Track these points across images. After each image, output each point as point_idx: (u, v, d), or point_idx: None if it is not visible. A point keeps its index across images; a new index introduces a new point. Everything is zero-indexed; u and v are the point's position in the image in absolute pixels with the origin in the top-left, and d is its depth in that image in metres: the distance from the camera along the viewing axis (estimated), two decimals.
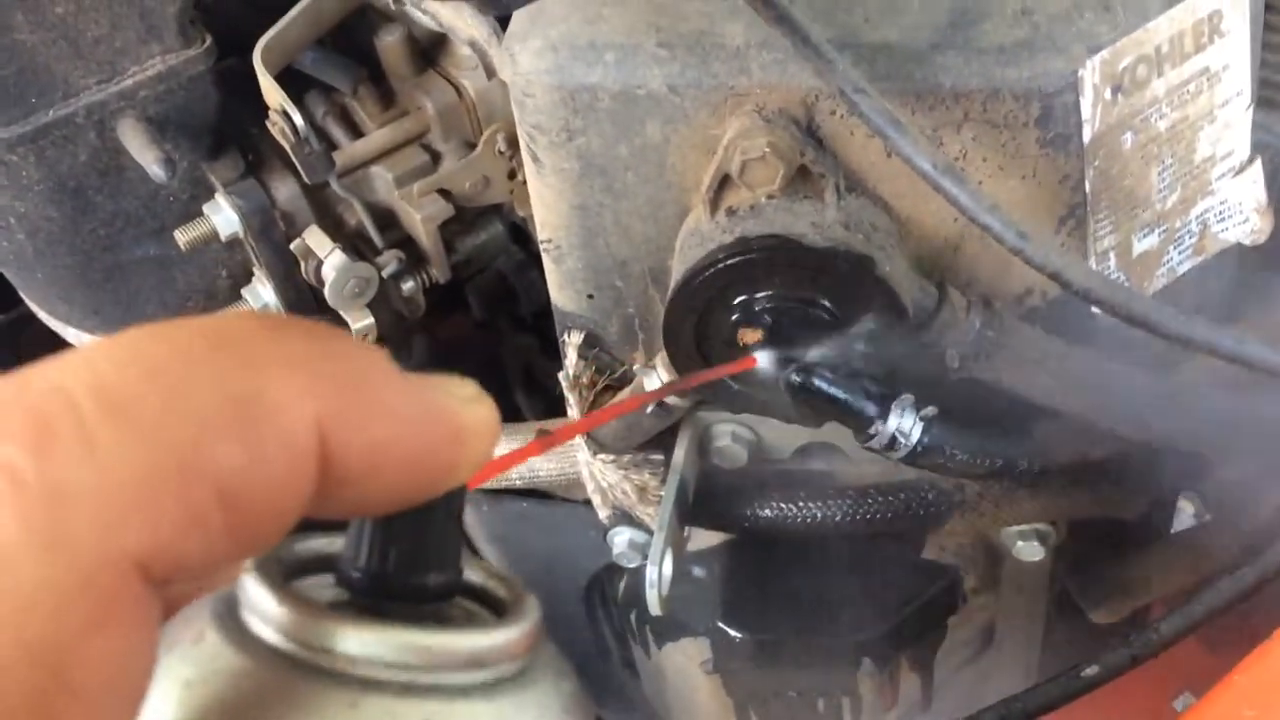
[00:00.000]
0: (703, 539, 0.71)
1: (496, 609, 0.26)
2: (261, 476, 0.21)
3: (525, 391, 0.93)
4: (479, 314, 0.92)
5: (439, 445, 0.23)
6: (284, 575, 0.24)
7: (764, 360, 0.55)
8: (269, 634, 0.23)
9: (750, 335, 0.56)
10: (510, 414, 0.84)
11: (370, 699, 0.22)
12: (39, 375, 0.20)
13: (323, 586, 0.25)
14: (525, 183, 0.62)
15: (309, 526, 0.25)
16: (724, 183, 0.55)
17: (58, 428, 0.20)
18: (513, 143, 0.74)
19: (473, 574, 0.27)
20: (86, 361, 0.20)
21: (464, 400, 0.24)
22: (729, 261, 0.54)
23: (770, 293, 0.54)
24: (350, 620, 0.23)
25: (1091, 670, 0.49)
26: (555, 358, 0.67)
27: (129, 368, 0.20)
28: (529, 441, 0.28)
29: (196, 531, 0.20)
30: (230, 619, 0.23)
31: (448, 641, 0.23)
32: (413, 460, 0.23)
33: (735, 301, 0.55)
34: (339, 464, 0.22)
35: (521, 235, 0.88)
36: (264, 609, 0.23)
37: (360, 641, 0.22)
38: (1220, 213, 0.59)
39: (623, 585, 0.79)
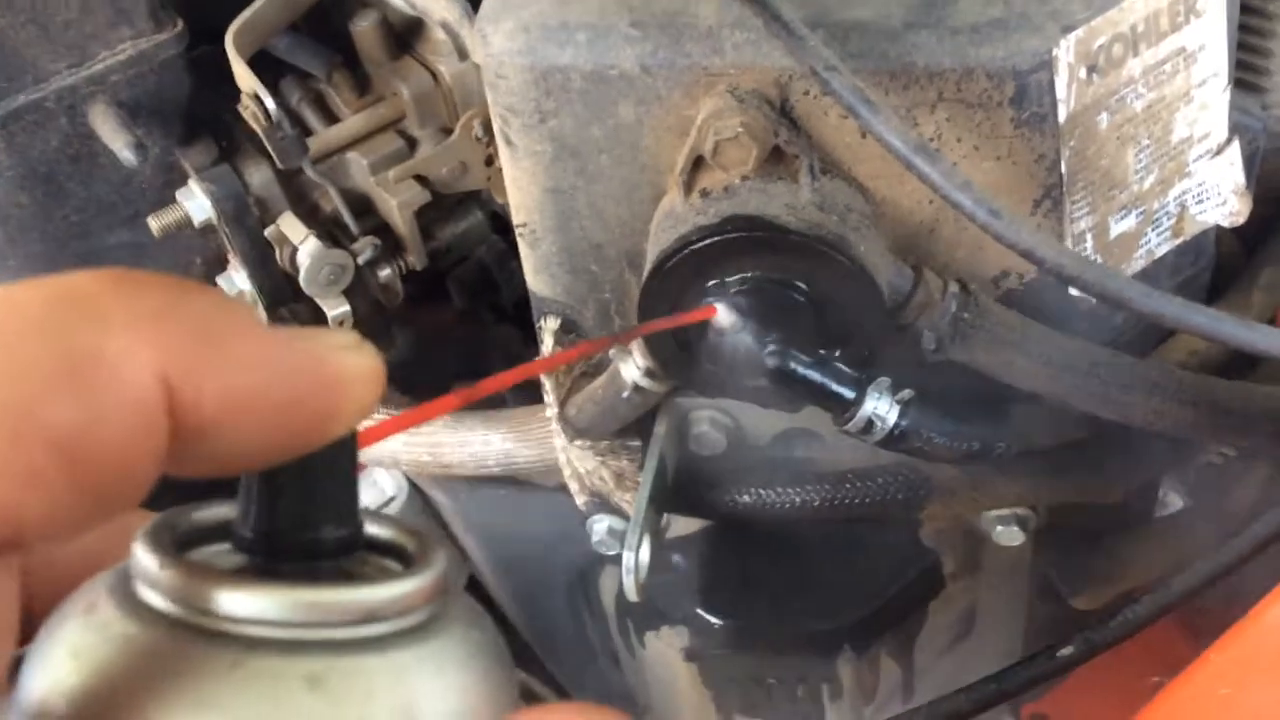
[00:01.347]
0: (682, 526, 0.71)
1: (408, 564, 0.25)
2: (102, 432, 0.20)
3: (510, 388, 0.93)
4: (461, 304, 0.92)
5: (309, 392, 0.22)
6: (178, 543, 0.24)
7: (723, 313, 0.54)
8: (155, 599, 0.22)
9: (725, 318, 0.55)
10: (493, 403, 0.84)
11: (253, 658, 0.22)
12: None
13: (222, 554, 0.25)
14: (501, 169, 0.62)
15: (214, 493, 0.25)
16: (698, 164, 0.54)
17: None
18: (489, 128, 0.73)
19: (379, 529, 0.26)
20: None
21: (338, 347, 0.23)
22: (702, 243, 0.53)
23: (744, 275, 0.54)
24: (231, 580, 0.22)
25: (1067, 651, 0.49)
26: (537, 347, 0.67)
27: None
28: (450, 394, 0.28)
29: (36, 490, 0.20)
30: (122, 589, 0.23)
31: (334, 596, 0.23)
32: (278, 409, 0.22)
33: (709, 284, 0.55)
34: (192, 416, 0.21)
35: (503, 225, 0.87)
36: (149, 574, 0.23)
37: (241, 600, 0.22)
38: (1198, 194, 0.59)
39: (604, 576, 0.79)
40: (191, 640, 0.22)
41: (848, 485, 0.65)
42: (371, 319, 0.80)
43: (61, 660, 0.22)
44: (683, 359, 0.58)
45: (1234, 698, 0.44)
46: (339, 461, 0.24)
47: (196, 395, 0.21)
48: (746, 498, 0.67)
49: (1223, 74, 0.56)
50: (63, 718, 0.21)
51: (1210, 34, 0.55)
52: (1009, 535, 0.65)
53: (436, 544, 0.25)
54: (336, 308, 0.73)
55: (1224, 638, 0.45)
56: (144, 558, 0.23)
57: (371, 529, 0.26)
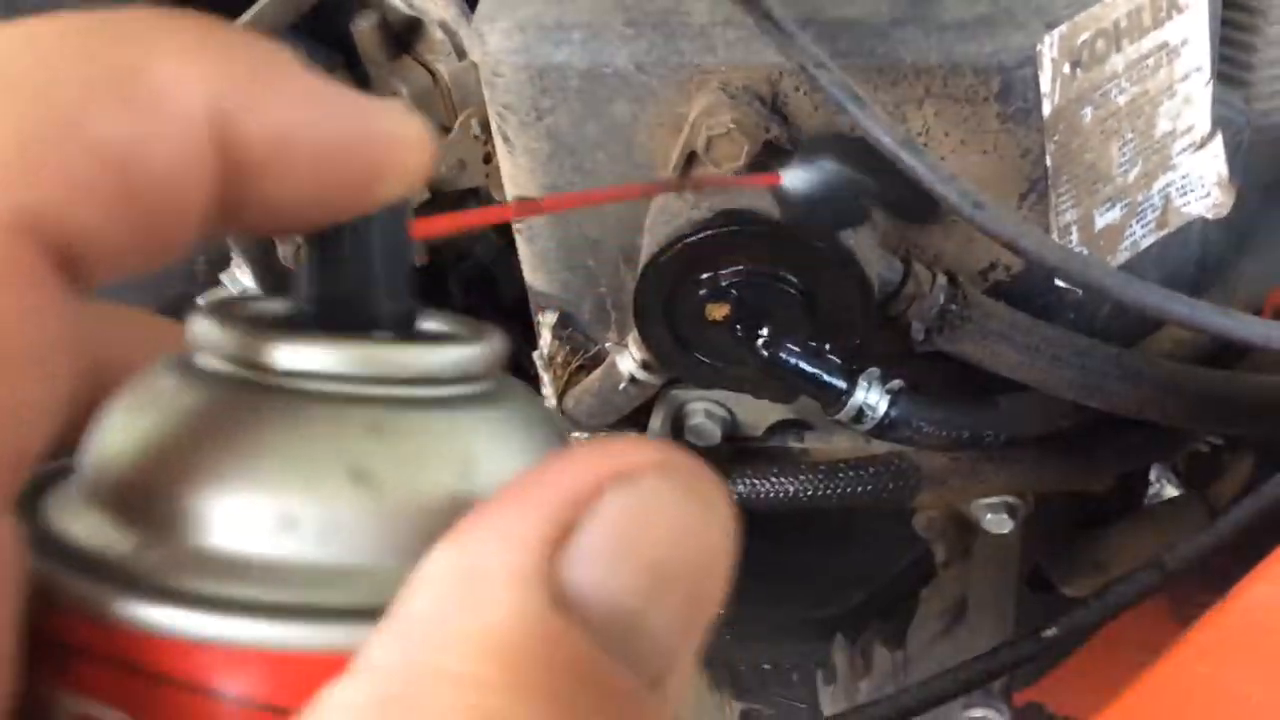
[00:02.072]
0: None
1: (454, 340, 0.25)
2: (151, 151, 0.20)
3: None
4: (460, 301, 0.93)
5: (358, 143, 0.22)
6: (233, 318, 0.23)
7: (789, 179, 0.54)
8: (214, 363, 0.22)
9: (717, 310, 0.57)
10: None
11: (314, 407, 0.21)
12: None
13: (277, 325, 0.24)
14: (500, 167, 0.63)
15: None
16: (691, 160, 0.56)
17: None
18: (487, 127, 0.74)
19: (432, 322, 0.25)
20: None
21: (387, 109, 0.22)
22: (695, 238, 0.55)
23: (737, 268, 0.55)
24: (290, 336, 0.22)
25: (1051, 631, 0.50)
26: (534, 346, 0.68)
27: (18, 42, 0.20)
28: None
29: (88, 196, 0.19)
30: (181, 361, 0.23)
31: (394, 353, 0.22)
32: (328, 156, 0.21)
33: (703, 277, 0.56)
34: (240, 152, 0.21)
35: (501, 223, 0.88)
36: (207, 336, 0.22)
37: (301, 355, 0.22)
38: (1182, 187, 0.60)
39: None
40: (251, 394, 0.22)
41: (840, 475, 0.66)
42: None
43: (117, 427, 0.22)
44: (678, 352, 0.59)
45: (1213, 676, 0.45)
46: (392, 231, 0.23)
47: (245, 130, 0.20)
48: (741, 488, 0.68)
49: (1205, 68, 0.57)
50: (119, 479, 0.21)
51: (1193, 29, 0.56)
52: (998, 523, 0.66)
53: (492, 328, 0.24)
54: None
55: (1203, 619, 0.46)
56: (201, 322, 0.23)
57: (426, 322, 0.25)
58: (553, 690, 0.18)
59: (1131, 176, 0.58)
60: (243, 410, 0.22)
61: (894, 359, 0.58)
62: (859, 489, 0.65)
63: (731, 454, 0.68)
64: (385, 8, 0.74)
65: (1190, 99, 0.58)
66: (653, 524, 0.20)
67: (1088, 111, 0.55)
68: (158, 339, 0.25)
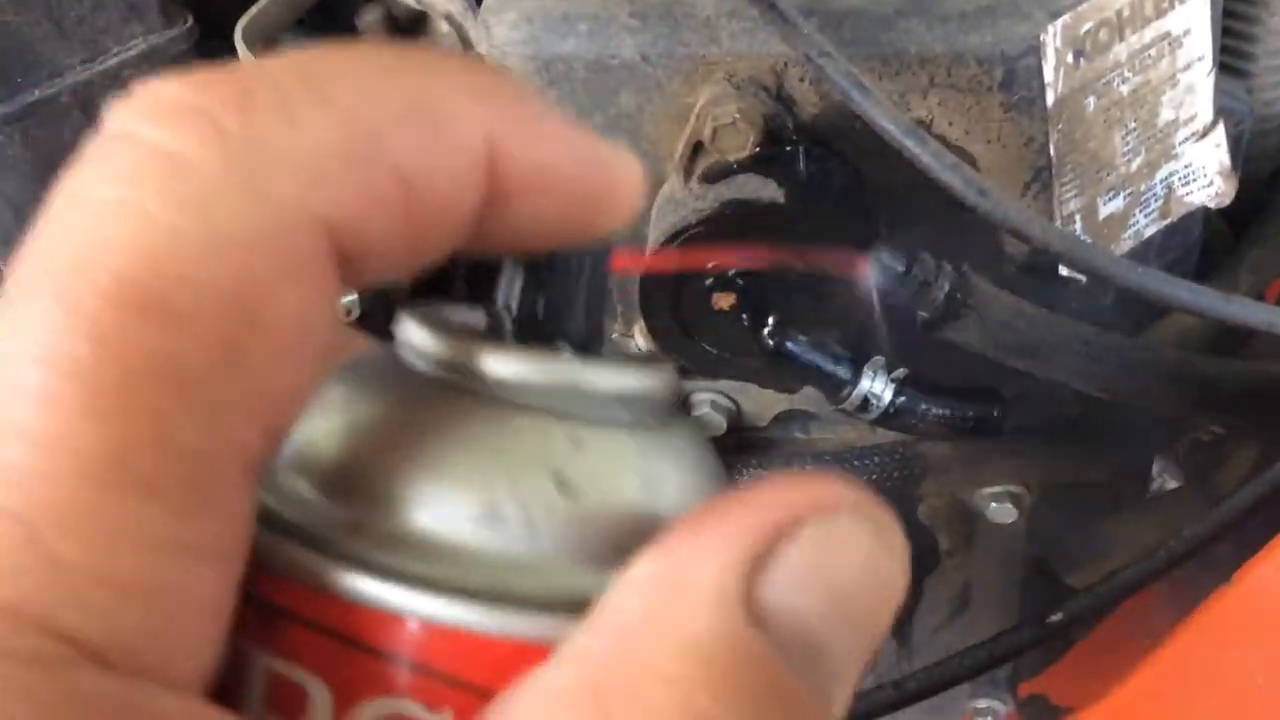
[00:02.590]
0: None
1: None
2: (438, 171, 0.22)
3: None
4: (463, 296, 0.93)
5: (594, 181, 0.24)
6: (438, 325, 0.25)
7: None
8: (423, 365, 0.24)
9: (724, 300, 0.57)
10: None
11: (521, 418, 0.23)
12: (246, 62, 0.22)
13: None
14: None
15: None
16: (696, 150, 0.56)
17: (260, 94, 0.21)
18: None
19: (613, 352, 0.27)
20: (293, 57, 0.22)
21: (614, 149, 0.25)
22: (701, 228, 0.55)
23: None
24: (501, 346, 0.24)
25: (1056, 617, 0.50)
26: None
27: (331, 63, 0.22)
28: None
29: (379, 208, 0.21)
30: (392, 358, 0.24)
31: (594, 375, 0.24)
32: (571, 190, 0.24)
33: (708, 266, 0.56)
34: (505, 179, 0.23)
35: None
36: (417, 340, 0.24)
37: (510, 366, 0.23)
38: (1185, 176, 0.60)
39: None
40: (461, 396, 0.23)
41: (845, 464, 0.66)
42: (376, 310, 0.81)
43: (333, 409, 0.23)
44: (684, 342, 0.59)
45: (1216, 659, 0.45)
46: (599, 264, 0.25)
47: (511, 160, 0.23)
48: (746, 478, 0.68)
49: (1208, 58, 0.58)
50: (335, 460, 0.23)
51: (1195, 19, 0.56)
52: (1002, 513, 0.66)
53: (668, 364, 0.27)
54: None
55: (1206, 602, 0.46)
56: (412, 327, 0.24)
57: (606, 352, 0.27)
58: (749, 697, 0.20)
59: (1135, 165, 0.58)
60: (454, 409, 0.23)
61: (898, 348, 0.59)
62: (864, 478, 0.65)
63: (737, 444, 0.68)
64: (391, 1, 0.75)
65: (1193, 88, 0.58)
66: (844, 558, 0.22)
67: (1091, 101, 0.55)
68: (345, 344, 0.27)
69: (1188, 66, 0.57)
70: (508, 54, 0.56)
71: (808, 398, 0.65)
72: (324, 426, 0.23)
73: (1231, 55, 0.63)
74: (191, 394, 0.19)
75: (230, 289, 0.20)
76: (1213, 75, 0.59)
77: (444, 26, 0.74)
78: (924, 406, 0.59)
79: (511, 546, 0.22)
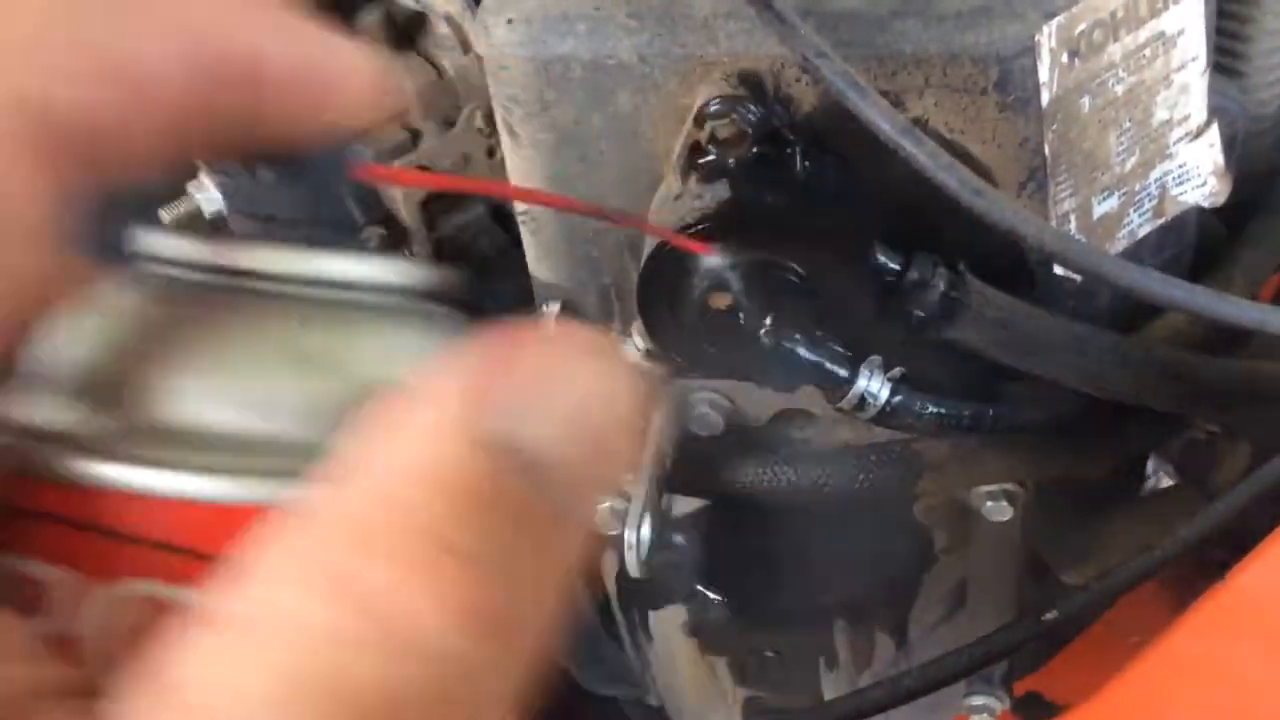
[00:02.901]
0: (683, 506, 0.72)
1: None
2: (143, 51, 0.23)
3: None
4: (474, 290, 0.93)
5: (319, 68, 0.24)
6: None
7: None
8: (176, 270, 0.24)
9: (720, 299, 0.57)
10: None
11: (261, 306, 0.24)
12: None
13: None
14: (503, 161, 0.63)
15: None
16: (694, 150, 0.56)
17: None
18: (491, 120, 0.75)
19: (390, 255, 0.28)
20: None
21: (350, 43, 0.25)
22: (698, 227, 0.55)
23: (739, 257, 0.56)
24: (240, 242, 0.24)
25: (1053, 614, 0.51)
26: None
27: None
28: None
29: (88, 85, 0.22)
30: (147, 271, 0.25)
31: (328, 260, 0.25)
32: (293, 78, 0.24)
33: (705, 266, 0.56)
34: (217, 66, 0.23)
35: (503, 218, 0.89)
36: (166, 248, 0.25)
37: (246, 257, 0.24)
38: (1179, 176, 0.61)
39: (605, 557, 0.80)
40: (200, 291, 0.24)
41: (842, 463, 0.67)
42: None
43: (83, 328, 0.24)
44: (682, 340, 0.60)
45: (1211, 655, 0.46)
46: (346, 158, 0.26)
47: (222, 47, 0.23)
48: (744, 476, 0.68)
49: (1201, 58, 0.58)
50: (101, 369, 0.23)
51: (1189, 19, 0.57)
52: (998, 510, 0.66)
53: (450, 270, 0.27)
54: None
55: (1202, 598, 0.47)
56: (160, 235, 0.25)
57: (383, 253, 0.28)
58: (488, 518, 0.21)
59: (1129, 165, 0.59)
60: (192, 305, 0.24)
61: (895, 347, 0.59)
62: (861, 477, 0.66)
63: (734, 444, 0.68)
64: (390, 2, 0.75)
65: (1187, 88, 0.58)
66: (568, 379, 0.23)
67: (1086, 101, 0.56)
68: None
69: (1182, 66, 0.58)
70: (506, 54, 0.57)
71: (805, 397, 0.66)
72: (74, 342, 0.24)
73: (1225, 55, 0.63)
74: None
75: None
76: (1207, 75, 0.59)
77: (442, 28, 0.74)
78: (920, 405, 0.60)
79: (253, 423, 0.23)
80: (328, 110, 0.25)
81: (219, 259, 0.24)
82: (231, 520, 0.23)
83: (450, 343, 0.26)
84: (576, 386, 0.23)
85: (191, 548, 0.23)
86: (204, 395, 0.23)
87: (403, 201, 0.77)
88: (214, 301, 0.24)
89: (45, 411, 0.23)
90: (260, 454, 0.23)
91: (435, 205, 0.80)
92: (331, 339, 0.24)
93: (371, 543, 0.20)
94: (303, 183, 0.25)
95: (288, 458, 0.23)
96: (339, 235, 0.27)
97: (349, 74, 0.25)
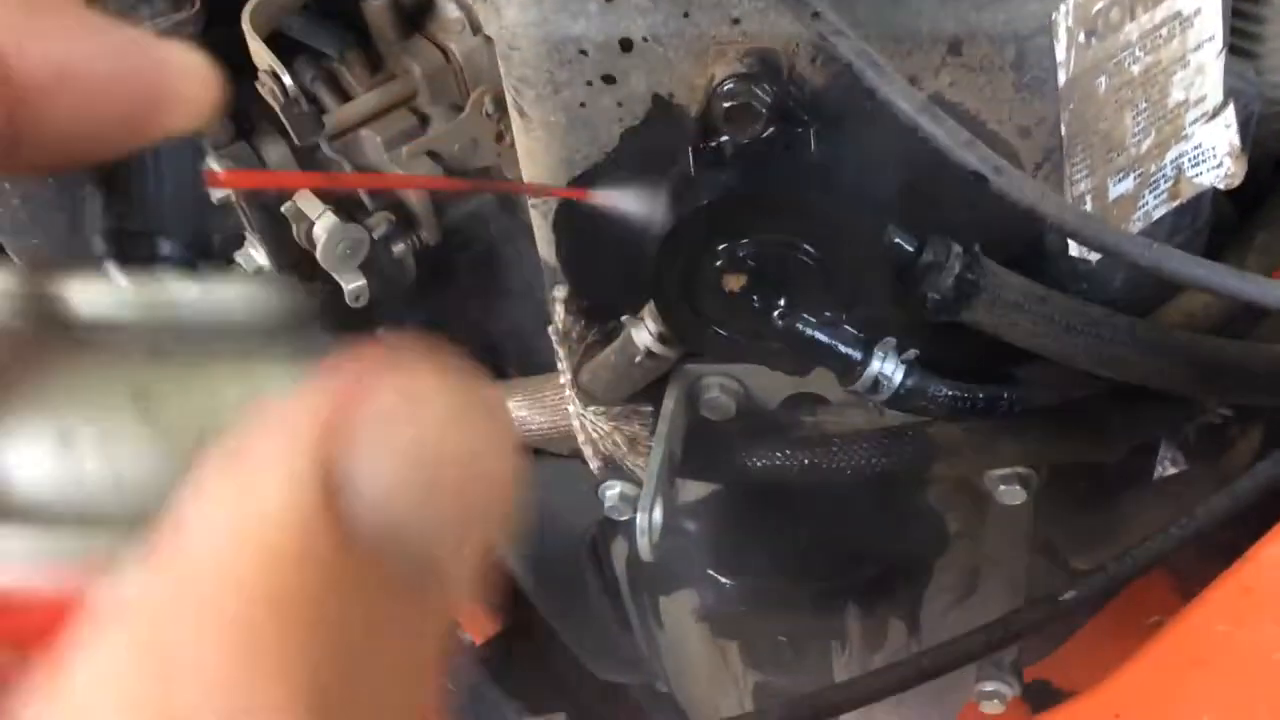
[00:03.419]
0: (694, 491, 0.72)
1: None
2: None
3: (518, 361, 0.94)
4: (469, 284, 0.93)
5: (136, 74, 0.22)
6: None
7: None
8: (8, 307, 0.22)
9: (734, 281, 0.57)
10: (499, 373, 0.85)
11: (102, 343, 0.22)
12: None
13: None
14: (512, 145, 0.63)
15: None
16: (708, 131, 0.56)
17: None
18: (499, 104, 0.75)
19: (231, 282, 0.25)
20: None
21: (167, 43, 0.23)
22: (711, 209, 0.55)
23: (753, 239, 0.56)
24: (79, 278, 0.22)
25: (1069, 595, 0.50)
26: (544, 325, 0.68)
27: None
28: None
29: None
30: None
31: (174, 287, 0.23)
32: (110, 87, 0.22)
33: (719, 248, 0.56)
34: (20, 83, 0.21)
35: (511, 205, 0.89)
36: None
37: (86, 296, 0.22)
38: (1194, 157, 0.61)
39: (615, 543, 0.80)
40: (40, 330, 0.22)
41: (854, 447, 0.66)
42: (385, 297, 0.81)
43: None
44: (695, 324, 0.59)
45: (1232, 634, 0.45)
46: (181, 165, 0.24)
47: (22, 60, 0.21)
48: (756, 461, 0.68)
49: (1218, 38, 0.58)
50: None
51: None
52: (1011, 494, 0.66)
53: (295, 283, 0.25)
54: (353, 282, 0.75)
55: (1222, 576, 0.46)
56: None
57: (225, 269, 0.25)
58: (316, 595, 0.18)
59: (1145, 146, 0.58)
60: (31, 345, 0.22)
61: (909, 329, 0.59)
62: (874, 460, 0.65)
63: (746, 427, 0.68)
64: None
65: (1203, 69, 0.58)
66: (419, 415, 0.19)
67: (1102, 81, 0.55)
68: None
69: (1198, 46, 0.57)
70: (517, 35, 0.56)
71: (817, 380, 0.65)
72: None
73: (1240, 37, 0.63)
74: None
75: None
76: (1222, 56, 0.59)
77: (450, 12, 0.74)
78: (934, 388, 0.59)
79: (89, 474, 0.21)
80: (155, 115, 0.22)
81: (55, 294, 0.22)
82: (36, 615, 0.20)
83: (304, 373, 0.22)
84: (439, 419, 0.19)
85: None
86: (15, 445, 0.21)
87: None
88: (55, 338, 0.21)
89: None
90: (81, 525, 0.20)
91: (442, 191, 0.80)
92: (184, 375, 0.21)
93: (183, 649, 0.17)
94: (141, 196, 0.24)
95: (134, 510, 0.20)
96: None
97: (171, 73, 0.22)
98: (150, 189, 0.23)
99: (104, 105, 0.22)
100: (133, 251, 0.24)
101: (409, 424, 0.19)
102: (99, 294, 0.22)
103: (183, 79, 0.23)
